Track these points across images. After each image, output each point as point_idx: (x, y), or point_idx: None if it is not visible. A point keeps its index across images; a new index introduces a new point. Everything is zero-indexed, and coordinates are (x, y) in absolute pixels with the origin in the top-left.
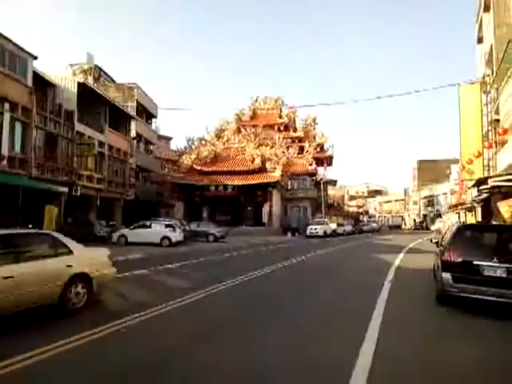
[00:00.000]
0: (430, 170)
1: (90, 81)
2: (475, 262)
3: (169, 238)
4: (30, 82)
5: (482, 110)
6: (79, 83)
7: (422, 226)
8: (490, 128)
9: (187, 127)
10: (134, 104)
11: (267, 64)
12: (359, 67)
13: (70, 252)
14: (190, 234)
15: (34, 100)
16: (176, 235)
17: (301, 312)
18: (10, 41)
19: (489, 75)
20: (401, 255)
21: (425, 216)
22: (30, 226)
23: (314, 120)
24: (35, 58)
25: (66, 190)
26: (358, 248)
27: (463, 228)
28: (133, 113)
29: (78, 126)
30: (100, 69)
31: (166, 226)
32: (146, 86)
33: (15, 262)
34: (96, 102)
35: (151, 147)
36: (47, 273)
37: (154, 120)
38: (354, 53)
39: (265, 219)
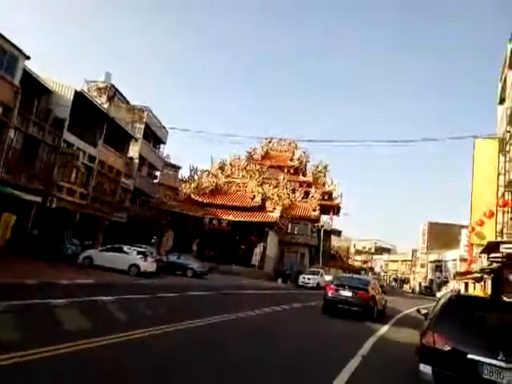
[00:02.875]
0: (441, 234)
1: (104, 99)
2: (470, 356)
3: (137, 267)
4: (17, 81)
5: (498, 168)
6: (76, 92)
7: (428, 292)
8: (506, 189)
9: (204, 159)
10: (142, 126)
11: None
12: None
13: None
14: (166, 265)
15: (17, 100)
16: (146, 264)
17: None
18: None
19: (509, 131)
20: (393, 320)
21: (431, 281)
22: None
23: (326, 167)
24: (28, 57)
25: (38, 199)
26: None
27: (457, 300)
28: (139, 135)
29: (68, 136)
30: (116, 88)
31: (138, 252)
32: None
33: None
34: (94, 116)
35: (156, 173)
36: None
37: (162, 146)
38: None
39: (255, 260)
